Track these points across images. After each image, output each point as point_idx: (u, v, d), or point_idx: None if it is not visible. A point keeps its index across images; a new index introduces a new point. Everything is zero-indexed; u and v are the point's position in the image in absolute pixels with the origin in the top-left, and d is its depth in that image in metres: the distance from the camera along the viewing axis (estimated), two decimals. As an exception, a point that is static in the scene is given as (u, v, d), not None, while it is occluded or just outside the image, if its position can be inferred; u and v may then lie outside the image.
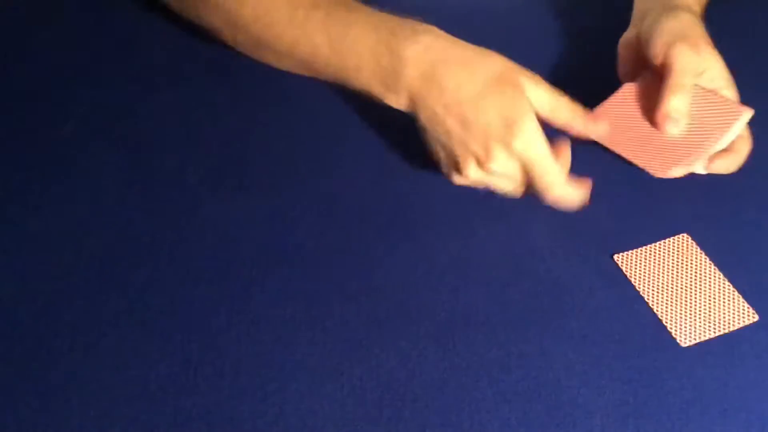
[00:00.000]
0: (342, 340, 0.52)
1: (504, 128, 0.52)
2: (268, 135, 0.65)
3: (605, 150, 0.61)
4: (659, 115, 0.57)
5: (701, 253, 0.58)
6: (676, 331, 0.54)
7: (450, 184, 0.62)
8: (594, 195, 0.62)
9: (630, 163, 0.59)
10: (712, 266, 0.57)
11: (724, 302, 0.55)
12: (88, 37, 0.72)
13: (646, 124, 0.59)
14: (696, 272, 0.57)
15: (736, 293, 0.55)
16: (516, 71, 0.54)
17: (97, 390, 0.48)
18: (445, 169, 0.57)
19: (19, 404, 0.47)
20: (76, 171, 0.60)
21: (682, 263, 0.57)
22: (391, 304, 0.54)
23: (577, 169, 0.62)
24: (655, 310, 0.55)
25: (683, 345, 0.53)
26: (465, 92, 0.53)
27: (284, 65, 0.62)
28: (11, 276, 0.53)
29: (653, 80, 0.59)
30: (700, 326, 0.54)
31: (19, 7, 0.74)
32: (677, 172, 0.57)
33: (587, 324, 0.54)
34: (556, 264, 0.57)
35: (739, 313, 0.55)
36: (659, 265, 0.57)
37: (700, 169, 0.59)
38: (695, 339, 0.53)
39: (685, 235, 0.59)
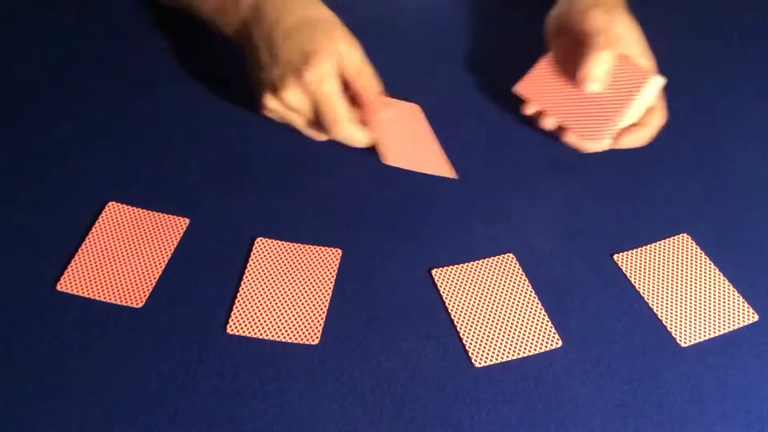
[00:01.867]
0: (342, 340, 0.52)
1: (301, 60, 0.55)
2: (268, 135, 0.65)
3: (603, 153, 0.61)
4: (579, 76, 0.58)
5: (701, 253, 0.58)
6: (676, 331, 0.54)
7: (450, 185, 0.62)
8: (594, 195, 0.62)
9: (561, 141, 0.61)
10: (712, 266, 0.57)
11: (724, 302, 0.55)
12: (88, 37, 0.72)
13: (570, 89, 0.60)
14: (696, 272, 0.57)
15: (736, 293, 0.55)
16: (334, 23, 0.57)
17: (97, 390, 0.48)
18: (256, 101, 0.59)
19: (19, 404, 0.47)
20: (76, 171, 0.60)
21: (682, 263, 0.57)
22: (391, 304, 0.54)
23: (577, 170, 0.62)
24: (655, 310, 0.55)
25: (683, 345, 0.53)
26: (280, 24, 0.56)
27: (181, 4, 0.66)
28: (11, 276, 0.53)
29: (574, 48, 0.60)
30: (700, 326, 0.54)
31: (19, 7, 0.74)
32: (599, 145, 0.59)
33: (587, 324, 0.54)
34: (556, 264, 0.57)
35: (739, 313, 0.55)
36: (659, 265, 0.57)
37: (606, 143, 0.60)
38: (695, 339, 0.53)
39: (685, 235, 0.59)
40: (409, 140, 0.60)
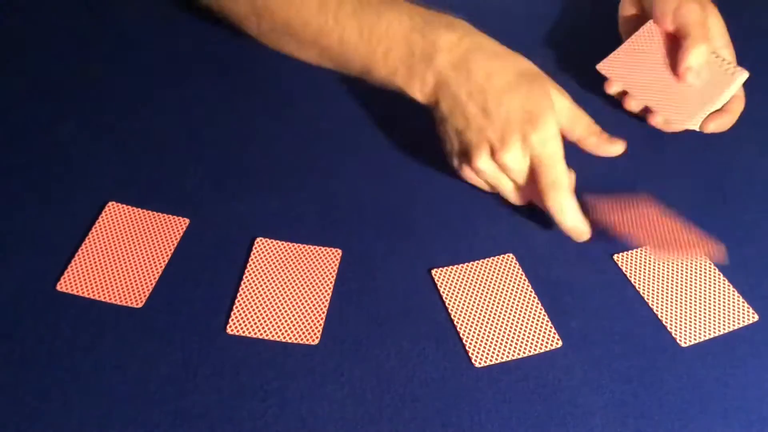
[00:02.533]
0: (342, 340, 0.52)
1: (524, 121, 0.52)
2: (268, 135, 0.65)
3: (601, 158, 0.61)
4: (682, 68, 0.60)
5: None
6: (676, 331, 0.54)
7: (450, 185, 0.62)
8: (594, 195, 0.62)
9: (642, 118, 0.63)
10: (712, 266, 0.57)
11: (724, 302, 0.55)
12: (88, 37, 0.72)
13: (657, 72, 0.62)
14: (696, 272, 0.57)
15: (736, 293, 0.55)
16: (544, 77, 0.55)
17: (97, 390, 0.48)
18: (455, 162, 0.57)
19: (19, 404, 0.47)
20: (76, 171, 0.60)
21: (681, 263, 0.57)
22: (391, 304, 0.54)
23: (577, 170, 0.62)
24: (655, 310, 0.55)
25: (683, 345, 0.53)
26: (492, 82, 0.53)
27: (306, 55, 0.62)
28: (11, 276, 0.53)
29: (661, 33, 0.63)
30: (700, 326, 0.54)
31: (19, 7, 0.74)
32: (678, 125, 0.62)
33: (587, 324, 0.54)
34: (556, 264, 0.57)
35: (739, 313, 0.55)
36: (659, 264, 0.57)
37: (695, 126, 0.62)
38: (695, 339, 0.53)
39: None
40: (653, 229, 0.57)
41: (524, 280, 0.56)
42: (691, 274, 0.57)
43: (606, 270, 0.57)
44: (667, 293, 0.55)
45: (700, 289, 0.56)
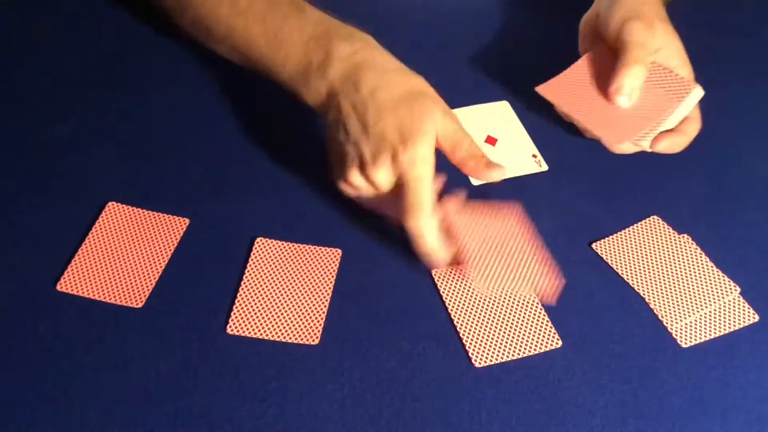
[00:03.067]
0: (342, 340, 0.52)
1: (397, 139, 0.51)
2: (268, 135, 0.65)
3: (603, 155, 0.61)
4: (612, 89, 0.58)
5: (701, 253, 0.58)
6: (676, 331, 0.54)
7: (450, 185, 0.62)
8: (594, 196, 0.62)
9: (589, 137, 0.61)
10: (713, 266, 0.57)
11: (724, 302, 0.55)
12: (88, 37, 0.72)
13: (601, 95, 0.59)
14: (696, 272, 0.57)
15: (735, 293, 0.55)
16: (433, 97, 0.54)
17: (97, 390, 0.48)
18: (333, 172, 0.56)
19: (18, 404, 0.47)
20: (76, 171, 0.60)
21: (682, 263, 0.57)
22: (391, 304, 0.54)
23: (578, 170, 0.62)
24: (655, 311, 0.55)
25: (683, 345, 0.53)
26: (376, 97, 0.52)
27: (221, 50, 0.63)
28: (11, 276, 0.53)
29: (608, 54, 0.60)
30: (700, 326, 0.54)
31: (19, 8, 0.74)
32: (628, 147, 0.59)
33: (587, 324, 0.54)
34: (556, 264, 0.57)
35: (739, 314, 0.55)
36: (659, 265, 0.57)
37: (646, 146, 0.60)
38: (695, 339, 0.53)
39: (685, 235, 0.59)
40: (498, 248, 0.55)
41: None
42: (691, 275, 0.57)
43: (606, 270, 0.57)
44: (667, 294, 0.55)
45: (701, 289, 0.56)
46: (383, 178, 0.52)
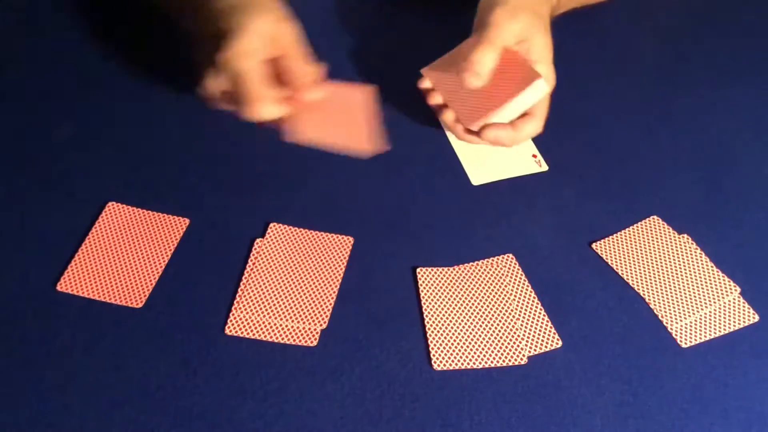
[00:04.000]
0: (342, 340, 0.52)
1: (224, 40, 0.53)
2: (268, 135, 0.65)
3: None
4: (461, 67, 0.58)
5: (701, 253, 0.58)
6: (676, 331, 0.54)
7: (449, 185, 0.62)
8: (594, 196, 0.62)
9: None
10: (713, 266, 0.57)
11: (724, 302, 0.55)
12: (88, 37, 0.72)
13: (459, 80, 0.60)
14: (696, 272, 0.57)
15: (735, 293, 0.55)
16: (272, 5, 0.55)
17: (97, 390, 0.48)
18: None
19: (19, 404, 0.47)
20: (76, 171, 0.60)
21: (682, 263, 0.57)
22: (391, 304, 0.54)
23: (578, 170, 0.62)
24: (655, 311, 0.55)
25: (683, 345, 0.53)
26: (216, 5, 0.55)
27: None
28: (11, 276, 0.53)
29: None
30: (700, 326, 0.54)
31: (19, 8, 0.74)
32: (475, 126, 0.59)
33: (587, 324, 0.54)
34: (556, 264, 0.57)
35: (739, 314, 0.55)
36: (659, 265, 0.57)
37: (475, 126, 0.59)
38: (695, 340, 0.53)
39: (685, 235, 0.59)
40: (329, 118, 0.56)
41: (524, 280, 0.56)
42: (691, 275, 0.57)
43: (606, 270, 0.57)
44: (667, 294, 0.55)
45: (700, 289, 0.56)
46: (210, 83, 0.54)
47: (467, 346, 0.52)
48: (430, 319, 0.53)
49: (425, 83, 0.63)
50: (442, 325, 0.53)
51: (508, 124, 0.59)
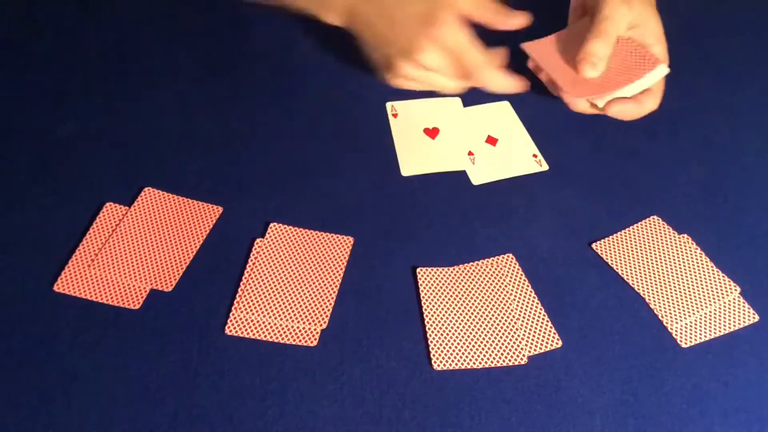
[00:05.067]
0: (342, 340, 0.52)
1: (425, 22, 0.55)
2: (268, 135, 0.65)
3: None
4: (578, 58, 0.60)
5: (701, 253, 0.58)
6: (676, 331, 0.54)
7: (449, 185, 0.62)
8: (594, 195, 0.62)
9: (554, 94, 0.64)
10: (713, 266, 0.57)
11: (724, 302, 0.55)
12: (88, 37, 0.71)
13: (572, 62, 0.61)
14: (696, 272, 0.57)
15: (736, 293, 0.55)
16: None
17: (97, 390, 0.48)
18: (384, 75, 0.60)
19: (19, 404, 0.47)
20: (75, 171, 0.60)
21: (682, 263, 0.57)
22: (391, 304, 0.54)
23: (578, 170, 0.62)
24: (655, 311, 0.55)
25: (683, 345, 0.53)
26: None
27: None
28: (11, 276, 0.53)
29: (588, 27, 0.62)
30: (700, 326, 0.54)
31: (19, 8, 0.74)
32: (583, 106, 0.62)
33: (587, 324, 0.54)
34: (556, 264, 0.57)
35: (739, 314, 0.55)
36: (658, 265, 0.57)
37: (600, 104, 0.62)
38: (695, 340, 0.53)
39: (685, 235, 0.59)
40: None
41: (524, 280, 0.56)
42: (691, 275, 0.57)
43: (607, 270, 0.57)
44: (667, 294, 0.55)
45: (701, 289, 0.56)
46: (432, 58, 0.56)
47: (467, 346, 0.52)
48: (430, 319, 0.53)
49: (530, 60, 0.65)
50: (442, 325, 0.53)
51: (632, 99, 0.62)
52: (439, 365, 0.51)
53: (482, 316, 0.53)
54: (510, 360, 0.51)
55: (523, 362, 0.51)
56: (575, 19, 0.66)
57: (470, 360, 0.51)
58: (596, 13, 0.60)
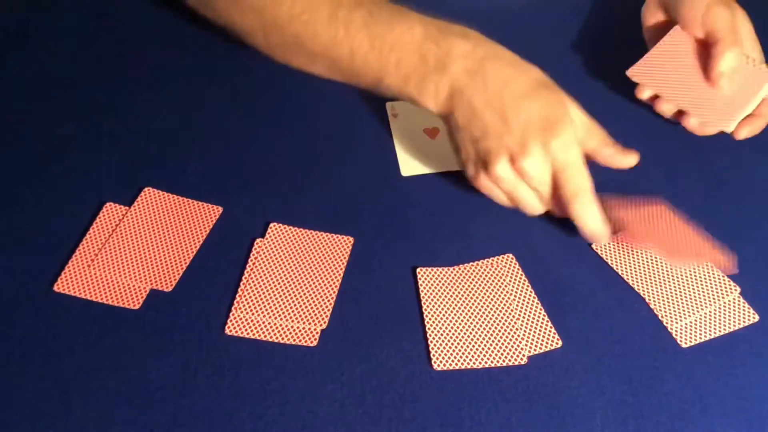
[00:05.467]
0: (342, 340, 0.52)
1: (544, 127, 0.51)
2: (268, 135, 0.65)
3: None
4: (715, 73, 0.60)
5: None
6: (676, 331, 0.54)
7: (450, 184, 0.62)
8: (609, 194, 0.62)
9: (671, 121, 0.63)
10: (713, 266, 0.57)
11: (724, 303, 0.55)
12: (88, 37, 0.72)
13: (688, 77, 0.62)
14: (696, 272, 0.57)
15: (736, 293, 0.55)
16: (558, 87, 0.54)
17: (97, 390, 0.48)
18: (471, 171, 0.56)
19: (19, 404, 0.47)
20: (75, 171, 0.60)
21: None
22: (391, 304, 0.54)
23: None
24: (655, 311, 0.55)
25: (683, 345, 0.53)
26: (510, 89, 0.52)
27: (316, 68, 0.60)
28: (11, 276, 0.53)
29: (689, 38, 0.63)
30: (700, 326, 0.54)
31: (19, 7, 0.74)
32: (713, 129, 0.61)
33: (587, 324, 0.54)
34: (556, 264, 0.57)
35: (739, 314, 0.55)
36: (659, 265, 0.57)
37: (729, 128, 0.62)
38: (695, 339, 0.53)
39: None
40: (666, 233, 0.57)
41: (524, 280, 0.56)
42: (691, 275, 0.57)
43: (607, 270, 0.57)
44: (667, 294, 0.55)
45: (701, 289, 0.56)
46: (535, 166, 0.52)
47: (467, 346, 0.52)
48: (430, 319, 0.53)
49: (646, 92, 0.63)
50: (442, 325, 0.53)
51: (755, 115, 0.62)
52: (439, 365, 0.51)
53: (482, 316, 0.53)
54: (510, 360, 0.51)
55: (523, 362, 0.51)
56: (655, 25, 0.66)
57: (470, 360, 0.51)
58: (713, 26, 0.60)
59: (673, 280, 0.56)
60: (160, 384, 0.49)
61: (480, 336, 0.52)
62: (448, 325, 0.53)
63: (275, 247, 0.56)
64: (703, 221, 0.60)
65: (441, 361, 0.51)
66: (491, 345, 0.52)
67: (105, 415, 0.47)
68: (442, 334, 0.52)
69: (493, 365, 0.51)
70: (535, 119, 0.51)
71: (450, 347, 0.51)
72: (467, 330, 0.53)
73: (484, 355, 0.51)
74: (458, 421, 0.48)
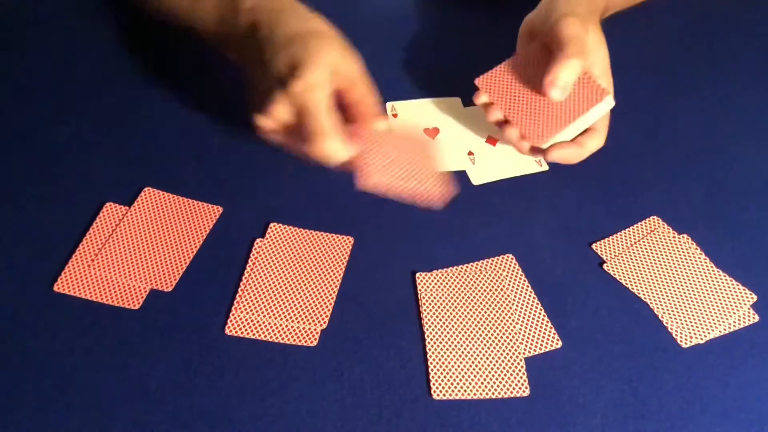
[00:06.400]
0: (342, 340, 0.52)
1: (288, 73, 0.51)
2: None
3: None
4: (546, 80, 0.56)
5: (701, 253, 0.58)
6: (676, 331, 0.54)
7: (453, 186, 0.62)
8: (594, 196, 0.62)
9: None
10: (712, 266, 0.57)
11: (724, 303, 0.55)
12: (88, 37, 0.72)
13: (526, 91, 0.59)
14: (696, 272, 0.57)
15: (736, 293, 0.55)
16: (332, 36, 0.54)
17: (97, 390, 0.48)
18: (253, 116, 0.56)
19: (19, 404, 0.47)
20: (75, 171, 0.60)
21: (682, 263, 0.57)
22: (391, 303, 0.54)
23: (577, 170, 0.61)
24: (655, 311, 0.55)
25: (683, 345, 0.53)
26: (273, 38, 0.53)
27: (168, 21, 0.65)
28: (11, 276, 0.53)
29: (541, 52, 0.60)
30: (700, 326, 0.54)
31: (19, 7, 0.74)
32: (545, 144, 0.58)
33: (587, 324, 0.54)
34: (556, 264, 0.57)
35: (739, 314, 0.55)
36: (657, 265, 0.57)
37: (545, 144, 0.59)
38: (695, 340, 0.53)
39: (685, 235, 0.59)
40: (398, 163, 0.56)
41: (524, 280, 0.56)
42: (691, 275, 0.57)
43: (607, 270, 0.57)
44: (667, 294, 0.55)
45: (700, 289, 0.56)
46: (279, 111, 0.52)
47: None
48: (429, 320, 0.53)
49: (482, 98, 0.61)
50: (442, 325, 0.53)
51: (573, 142, 0.59)
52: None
53: (482, 317, 0.53)
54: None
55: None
56: (524, 45, 0.64)
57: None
58: (559, 35, 0.57)
59: (673, 280, 0.56)
60: (160, 384, 0.49)
61: (480, 336, 0.52)
62: (448, 325, 0.53)
63: (275, 247, 0.56)
64: (703, 221, 0.60)
65: (441, 391, 0.50)
66: (491, 345, 0.52)
67: (105, 415, 0.47)
68: (441, 336, 0.52)
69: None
70: (284, 66, 0.52)
71: (449, 350, 0.51)
72: (467, 330, 0.52)
73: (485, 388, 0.50)
74: (458, 421, 0.48)
